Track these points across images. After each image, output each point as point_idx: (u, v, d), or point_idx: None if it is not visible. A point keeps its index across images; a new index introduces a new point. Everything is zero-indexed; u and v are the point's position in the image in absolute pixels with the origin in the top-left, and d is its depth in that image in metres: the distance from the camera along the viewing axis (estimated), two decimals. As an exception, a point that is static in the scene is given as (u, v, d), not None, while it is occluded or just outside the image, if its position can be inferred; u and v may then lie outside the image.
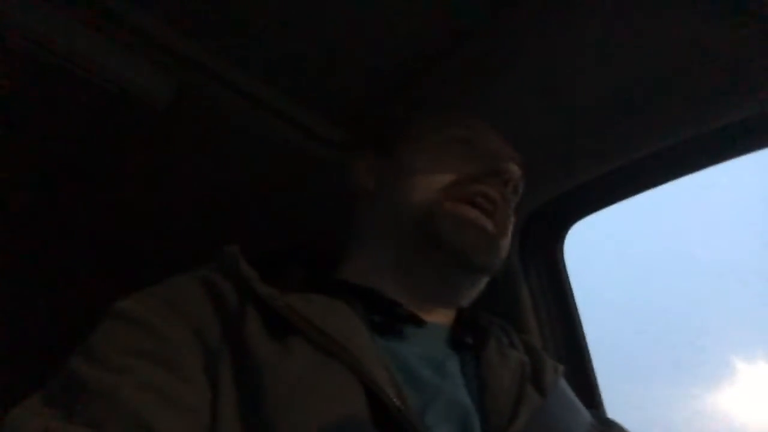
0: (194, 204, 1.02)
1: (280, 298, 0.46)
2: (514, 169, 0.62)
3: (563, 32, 0.69)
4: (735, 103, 0.75)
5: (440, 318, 0.58)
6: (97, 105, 0.78)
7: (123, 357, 0.40)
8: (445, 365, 0.51)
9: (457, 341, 0.55)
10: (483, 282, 0.63)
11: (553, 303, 0.97)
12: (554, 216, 1.00)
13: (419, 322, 0.54)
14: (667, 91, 0.75)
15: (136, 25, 0.68)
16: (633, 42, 0.69)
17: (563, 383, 0.60)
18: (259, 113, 0.81)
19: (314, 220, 0.99)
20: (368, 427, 0.39)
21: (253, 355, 0.41)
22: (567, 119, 0.82)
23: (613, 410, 0.85)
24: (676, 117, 0.79)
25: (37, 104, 0.79)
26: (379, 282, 0.57)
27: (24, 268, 1.09)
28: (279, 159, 0.91)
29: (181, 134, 0.85)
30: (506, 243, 0.62)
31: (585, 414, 0.57)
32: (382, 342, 0.49)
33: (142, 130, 0.84)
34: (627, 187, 0.92)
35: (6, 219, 0.99)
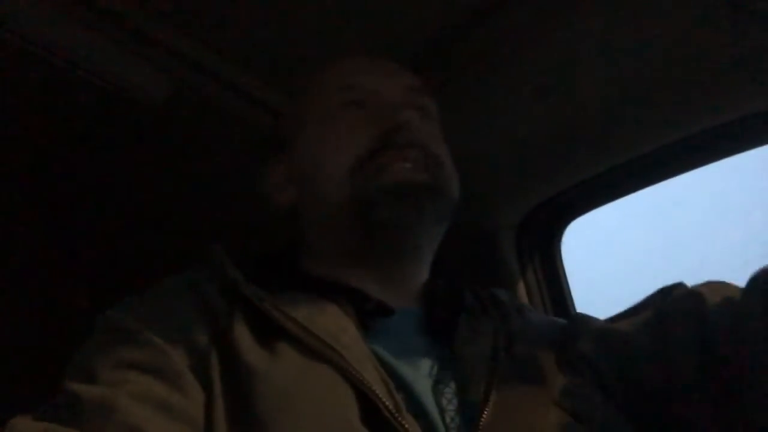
0: (191, 201, 1.02)
1: (266, 300, 0.45)
2: (411, 114, 0.55)
3: (562, 31, 0.69)
4: (733, 101, 0.75)
5: (410, 300, 0.56)
6: (93, 103, 0.78)
7: (115, 369, 0.39)
8: (421, 356, 0.49)
9: (429, 324, 0.53)
10: (440, 232, 0.58)
11: (550, 301, 0.97)
12: (552, 214, 1.00)
13: (388, 312, 0.51)
14: (666, 89, 0.75)
15: (131, 24, 0.68)
16: (632, 41, 0.69)
17: (529, 319, 0.58)
18: (254, 111, 0.81)
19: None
20: (359, 428, 0.39)
21: (241, 360, 0.41)
22: (565, 117, 0.82)
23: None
24: (674, 115, 0.79)
25: (32, 103, 0.79)
26: (343, 273, 0.55)
27: (23, 268, 1.09)
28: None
29: (177, 132, 0.85)
30: (446, 177, 0.56)
31: (553, 331, 0.55)
32: (367, 338, 0.47)
33: (138, 127, 0.84)
34: (624, 185, 0.92)
35: (4, 219, 0.99)
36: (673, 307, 0.50)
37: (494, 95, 0.80)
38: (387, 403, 0.40)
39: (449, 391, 0.47)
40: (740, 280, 0.47)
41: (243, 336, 0.43)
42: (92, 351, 0.42)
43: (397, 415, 0.39)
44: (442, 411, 0.45)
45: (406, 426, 0.39)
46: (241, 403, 0.39)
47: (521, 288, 0.97)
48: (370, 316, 0.50)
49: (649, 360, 0.48)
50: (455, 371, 0.48)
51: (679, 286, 0.53)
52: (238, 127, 0.84)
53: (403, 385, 0.44)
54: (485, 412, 0.44)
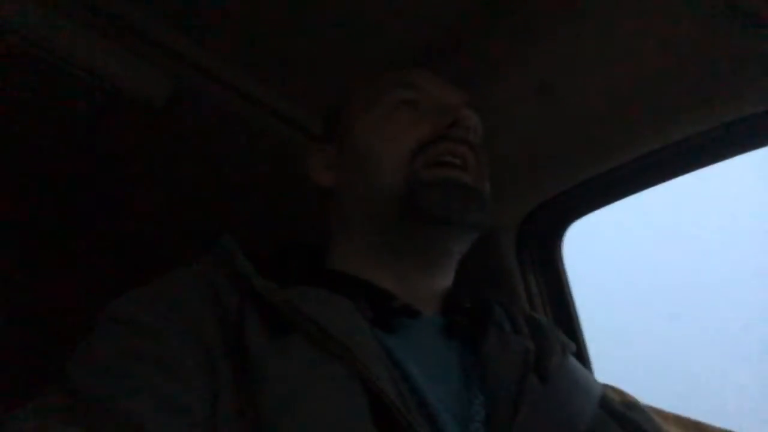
0: (192, 201, 1.02)
1: (278, 294, 0.44)
2: (469, 114, 0.59)
3: (562, 31, 0.69)
4: (734, 102, 0.74)
5: (432, 306, 0.56)
6: (94, 104, 0.78)
7: (118, 361, 0.39)
8: (443, 362, 0.49)
9: (454, 330, 0.53)
10: (471, 240, 0.60)
11: (550, 304, 0.96)
12: (553, 215, 0.99)
13: (413, 314, 0.51)
14: (666, 89, 0.75)
15: (131, 25, 0.69)
16: (633, 41, 0.69)
17: (572, 362, 0.57)
18: (255, 111, 0.81)
19: (311, 215, 0.99)
20: (368, 428, 0.38)
21: (251, 354, 0.40)
22: (567, 117, 0.82)
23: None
24: (675, 115, 0.79)
25: (34, 104, 0.79)
26: (370, 270, 0.55)
27: (27, 267, 1.09)
28: (275, 156, 0.91)
29: (178, 132, 0.85)
30: (488, 190, 0.60)
31: (595, 391, 0.53)
32: (382, 337, 0.47)
33: (139, 128, 0.84)
34: (627, 186, 0.91)
35: (5, 218, 0.99)
36: None
37: (495, 96, 0.80)
38: (398, 403, 0.39)
39: (477, 402, 0.46)
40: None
41: (253, 330, 0.42)
42: (95, 342, 0.41)
43: (408, 415, 0.39)
44: (468, 420, 0.44)
45: (417, 427, 0.38)
46: (249, 398, 0.38)
47: (521, 289, 0.97)
48: (394, 315, 0.50)
49: None
50: (483, 383, 0.48)
51: None
52: (238, 128, 0.84)
53: (415, 388, 0.44)
54: (515, 424, 0.43)
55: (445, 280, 0.60)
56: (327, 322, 0.42)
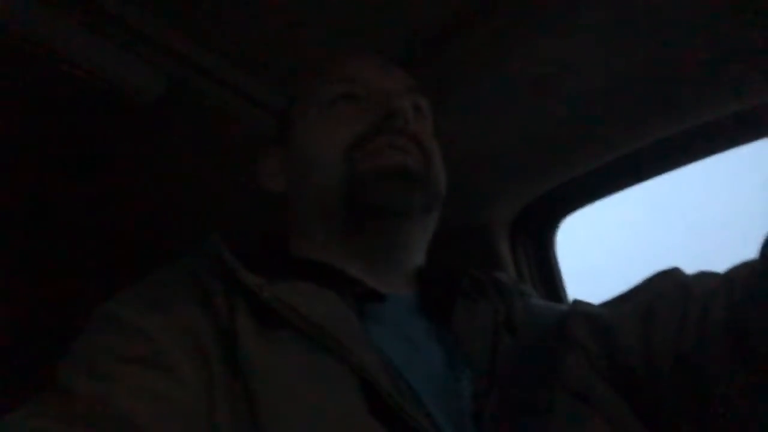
0: (187, 196, 1.02)
1: (267, 289, 0.44)
2: (403, 106, 0.56)
3: (556, 28, 0.69)
4: (732, 95, 0.75)
5: (401, 285, 0.56)
6: (88, 100, 0.78)
7: (112, 363, 0.39)
8: (420, 341, 0.49)
9: (425, 307, 0.54)
10: (430, 223, 0.59)
11: (544, 296, 0.97)
12: (546, 210, 1.00)
13: (379, 297, 0.51)
14: (661, 85, 0.75)
15: (125, 21, 0.68)
16: (626, 37, 0.69)
17: (532, 302, 0.58)
18: (248, 107, 0.81)
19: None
20: (365, 417, 0.38)
21: (243, 351, 0.40)
22: (560, 114, 0.82)
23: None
24: (669, 110, 0.79)
25: (28, 100, 0.79)
26: (334, 258, 0.55)
27: (21, 265, 1.09)
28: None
29: (172, 128, 0.85)
30: (436, 171, 0.58)
31: (553, 315, 0.55)
32: (366, 326, 0.47)
33: (133, 124, 0.84)
34: (619, 181, 0.92)
35: (2, 216, 0.99)
36: (660, 300, 0.50)
37: (488, 92, 0.80)
38: (391, 391, 0.39)
39: (465, 377, 0.47)
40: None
41: (243, 326, 0.42)
42: (88, 344, 0.41)
43: (403, 403, 0.39)
44: (459, 397, 0.45)
45: (411, 413, 0.39)
46: (244, 396, 0.38)
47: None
48: (362, 301, 0.50)
49: (635, 350, 0.49)
50: (462, 345, 0.49)
51: (672, 273, 0.53)
52: (231, 124, 0.84)
53: (400, 372, 0.44)
54: (491, 396, 0.44)
55: (414, 260, 0.59)
56: (316, 316, 0.43)
